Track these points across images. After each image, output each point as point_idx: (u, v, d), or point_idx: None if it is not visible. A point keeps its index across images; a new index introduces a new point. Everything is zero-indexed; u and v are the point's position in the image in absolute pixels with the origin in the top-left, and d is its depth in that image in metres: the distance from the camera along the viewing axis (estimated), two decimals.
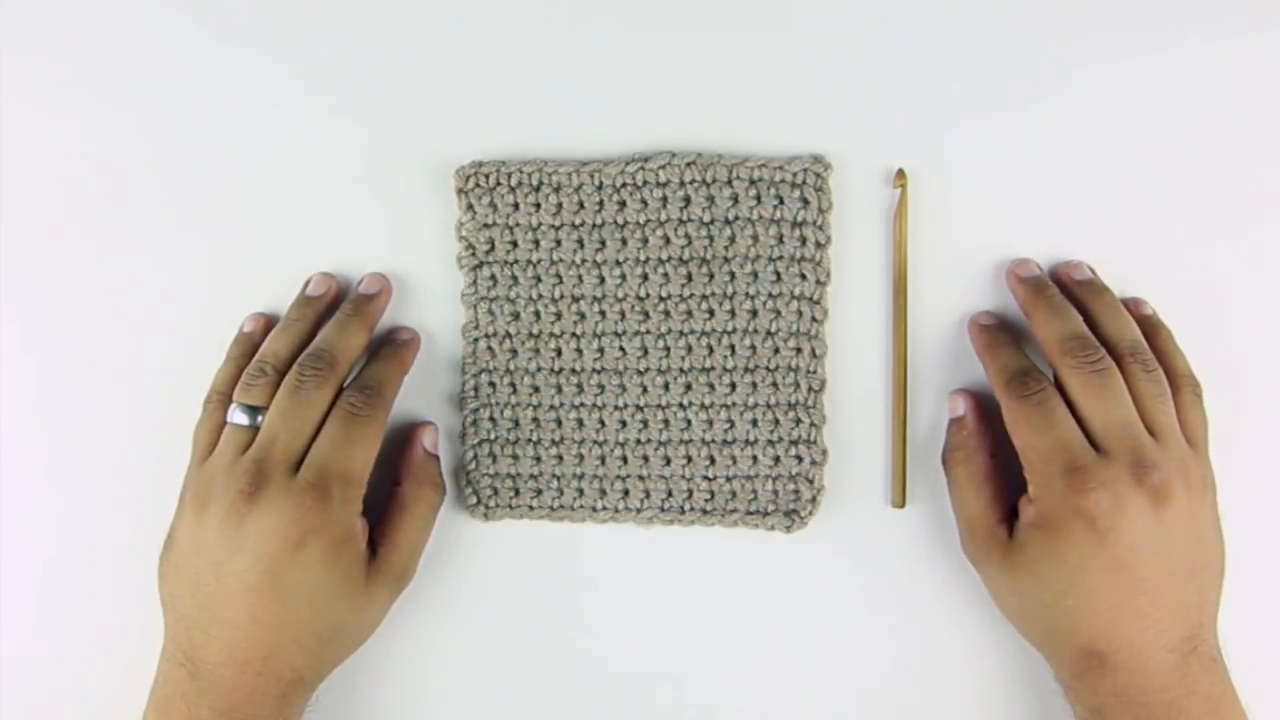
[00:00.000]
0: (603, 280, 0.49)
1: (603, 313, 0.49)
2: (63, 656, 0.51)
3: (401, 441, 0.50)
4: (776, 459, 0.49)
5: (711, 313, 0.49)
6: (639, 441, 0.49)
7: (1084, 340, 0.44)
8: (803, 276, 0.48)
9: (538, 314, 0.49)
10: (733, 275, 0.48)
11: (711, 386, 0.49)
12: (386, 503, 0.48)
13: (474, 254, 0.49)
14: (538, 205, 0.49)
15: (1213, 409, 0.46)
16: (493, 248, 0.49)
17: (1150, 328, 0.46)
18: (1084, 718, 0.44)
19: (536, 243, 0.49)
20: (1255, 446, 0.48)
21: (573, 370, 0.49)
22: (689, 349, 0.49)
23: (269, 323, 0.49)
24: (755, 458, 0.49)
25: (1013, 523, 0.44)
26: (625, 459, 0.49)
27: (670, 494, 0.49)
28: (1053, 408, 0.43)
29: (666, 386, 0.49)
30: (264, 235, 0.50)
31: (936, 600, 0.49)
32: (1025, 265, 0.47)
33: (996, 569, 0.44)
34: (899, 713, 0.49)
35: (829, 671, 0.49)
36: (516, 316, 0.49)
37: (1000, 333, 0.47)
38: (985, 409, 0.47)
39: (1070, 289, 0.47)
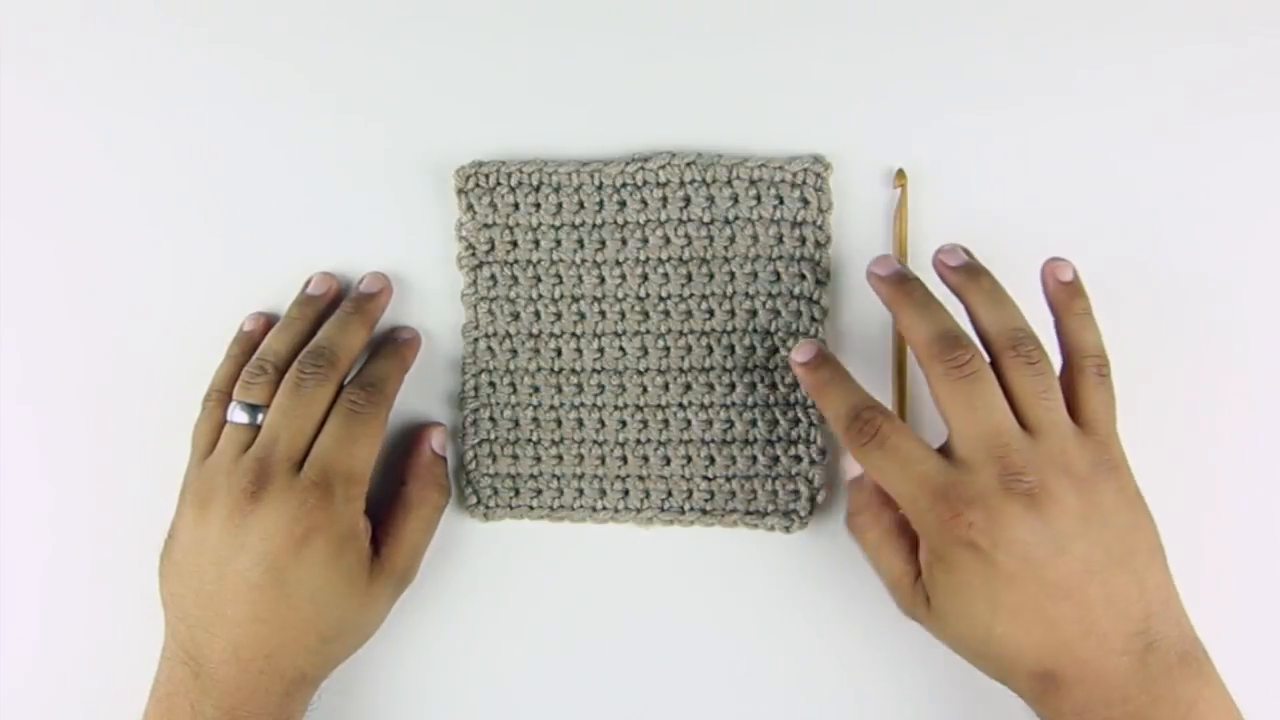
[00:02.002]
0: (603, 280, 0.49)
1: (603, 313, 0.49)
2: (63, 656, 0.51)
3: (406, 441, 0.50)
4: (776, 459, 0.49)
5: (711, 313, 0.49)
6: (639, 441, 0.49)
7: (951, 340, 0.41)
8: (802, 276, 0.48)
9: (538, 314, 0.49)
10: (733, 275, 0.48)
11: (711, 386, 0.49)
12: (391, 502, 0.48)
13: (474, 254, 0.49)
14: (538, 205, 0.49)
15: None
16: (493, 248, 0.49)
17: (1066, 296, 0.43)
18: None
19: (536, 243, 0.49)
20: (1248, 442, 0.48)
21: (573, 370, 0.49)
22: (689, 349, 0.49)
23: (269, 322, 0.49)
24: (754, 457, 0.49)
25: None
26: (625, 459, 0.49)
27: (670, 494, 0.49)
28: (896, 445, 0.41)
29: (666, 386, 0.49)
30: (264, 235, 0.50)
31: None
32: (882, 262, 0.45)
33: (929, 620, 0.43)
34: (899, 713, 0.49)
35: (829, 671, 0.49)
36: (516, 316, 0.49)
37: (821, 370, 0.44)
38: None
39: (946, 279, 0.44)
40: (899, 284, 0.44)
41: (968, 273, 0.44)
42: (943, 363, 0.41)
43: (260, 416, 0.46)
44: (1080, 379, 0.42)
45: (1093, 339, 0.43)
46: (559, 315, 0.49)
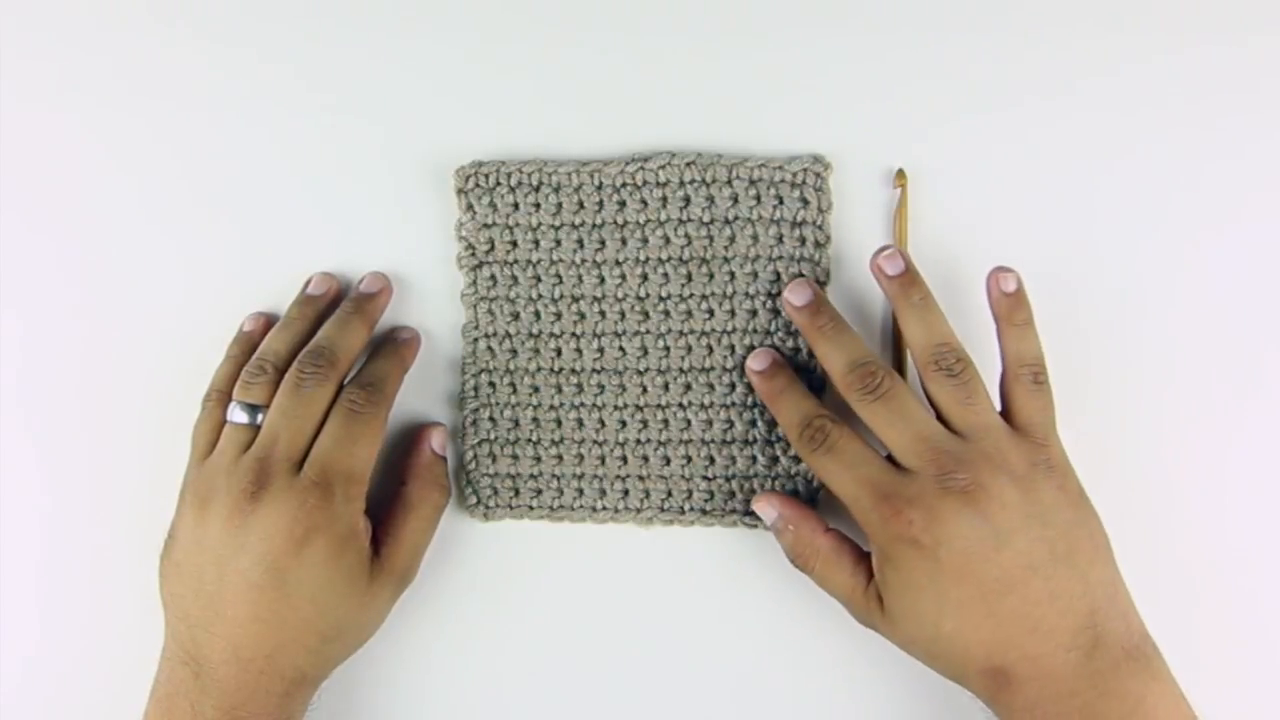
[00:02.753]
0: (603, 280, 0.49)
1: (603, 313, 0.49)
2: (63, 656, 0.51)
3: (406, 441, 0.50)
4: (775, 459, 0.49)
5: (711, 313, 0.49)
6: (639, 441, 0.49)
7: (862, 370, 0.43)
8: (802, 276, 0.48)
9: (538, 314, 0.49)
10: (733, 275, 0.48)
11: (711, 386, 0.49)
12: (391, 502, 0.48)
13: (474, 254, 0.49)
14: (538, 205, 0.49)
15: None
16: (493, 248, 0.49)
17: (1008, 307, 0.44)
18: None
19: (536, 243, 0.49)
20: (1246, 445, 0.48)
21: (573, 370, 0.49)
22: (689, 349, 0.49)
23: (269, 322, 0.49)
24: (755, 458, 0.49)
25: None
26: (625, 459, 0.49)
27: (670, 494, 0.49)
28: (844, 449, 0.43)
29: (666, 386, 0.49)
30: (264, 235, 0.51)
31: None
32: (797, 288, 0.46)
33: (884, 624, 0.43)
34: (899, 713, 0.49)
35: (828, 671, 0.49)
36: (516, 316, 0.49)
37: (776, 378, 0.46)
38: (788, 498, 0.47)
39: (881, 284, 0.45)
40: (812, 314, 0.46)
41: (901, 283, 0.45)
42: (857, 391, 0.43)
43: (260, 416, 0.46)
44: (1016, 386, 0.44)
45: (1030, 348, 0.44)
46: (559, 315, 0.49)
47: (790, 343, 0.48)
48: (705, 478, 0.49)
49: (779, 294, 0.48)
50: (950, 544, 0.40)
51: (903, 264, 0.45)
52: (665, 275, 0.49)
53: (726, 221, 0.48)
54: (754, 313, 0.48)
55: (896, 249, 0.45)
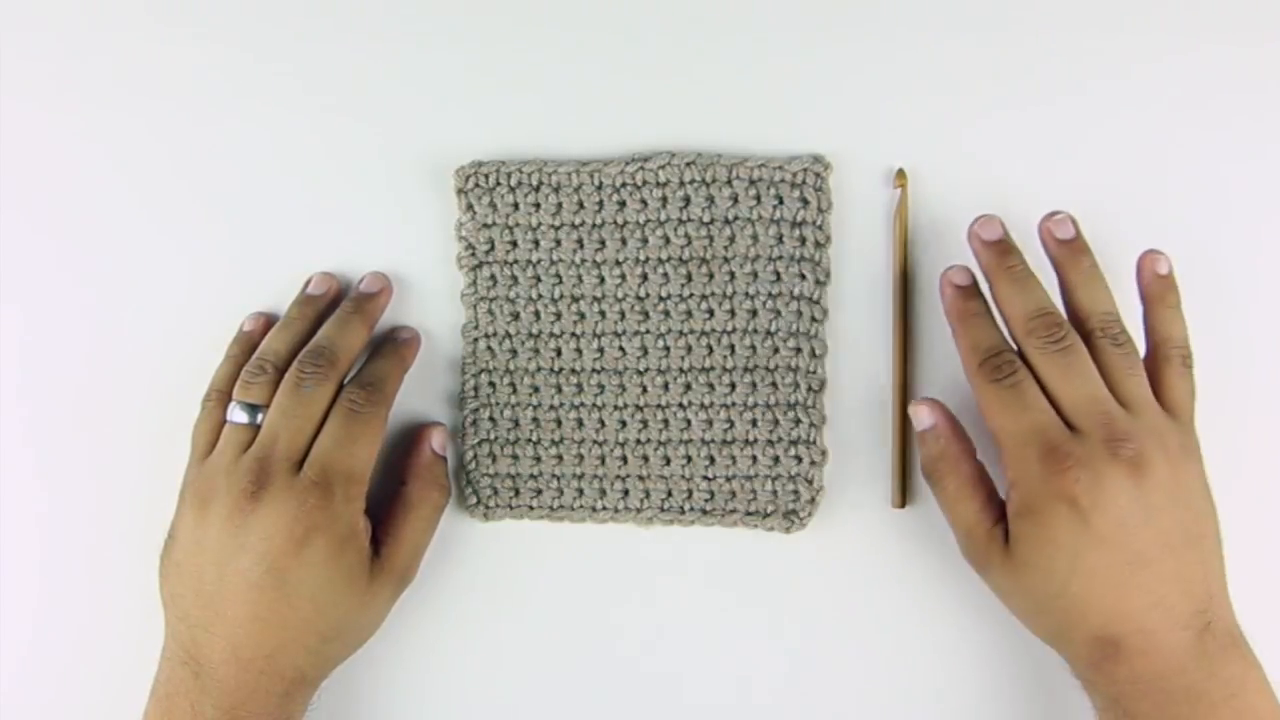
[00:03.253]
0: (603, 280, 0.49)
1: (603, 313, 0.49)
2: (62, 656, 0.51)
3: (406, 441, 0.50)
4: (776, 459, 0.49)
5: (711, 313, 0.49)
6: (639, 441, 0.49)
7: (1046, 318, 0.43)
8: (802, 276, 0.48)
9: (538, 314, 0.49)
10: (733, 275, 0.48)
11: (711, 386, 0.49)
12: (391, 502, 0.48)
13: (474, 254, 0.49)
14: (538, 205, 0.49)
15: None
16: (493, 248, 0.49)
17: (1160, 288, 0.45)
18: (1103, 708, 0.43)
19: (536, 243, 0.49)
20: (1246, 446, 0.48)
21: (573, 370, 0.49)
22: (689, 349, 0.49)
23: (269, 322, 0.49)
24: (755, 458, 0.49)
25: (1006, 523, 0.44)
26: (625, 459, 0.49)
27: (670, 494, 0.49)
28: (1024, 389, 0.42)
29: (666, 386, 0.49)
30: (264, 235, 0.51)
31: (936, 600, 0.49)
32: (989, 225, 0.45)
33: (999, 572, 0.44)
34: (899, 713, 0.49)
35: (829, 672, 0.49)
36: (516, 316, 0.49)
37: (973, 300, 0.45)
38: (951, 415, 0.46)
39: (1049, 248, 0.45)
40: (1000, 254, 0.45)
41: (1071, 249, 0.44)
42: (1040, 338, 0.42)
43: (260, 416, 0.46)
44: (1166, 367, 0.44)
45: (1181, 330, 0.45)
46: (559, 315, 0.49)
47: (791, 343, 0.48)
48: (705, 478, 0.49)
49: (779, 294, 0.48)
50: (1105, 510, 0.40)
51: (1072, 229, 0.45)
52: (665, 275, 0.49)
53: (726, 221, 0.48)
54: (754, 313, 0.48)
55: (1066, 215, 0.45)
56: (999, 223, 0.45)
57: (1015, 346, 0.44)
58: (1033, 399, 0.42)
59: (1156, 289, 0.45)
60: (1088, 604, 0.41)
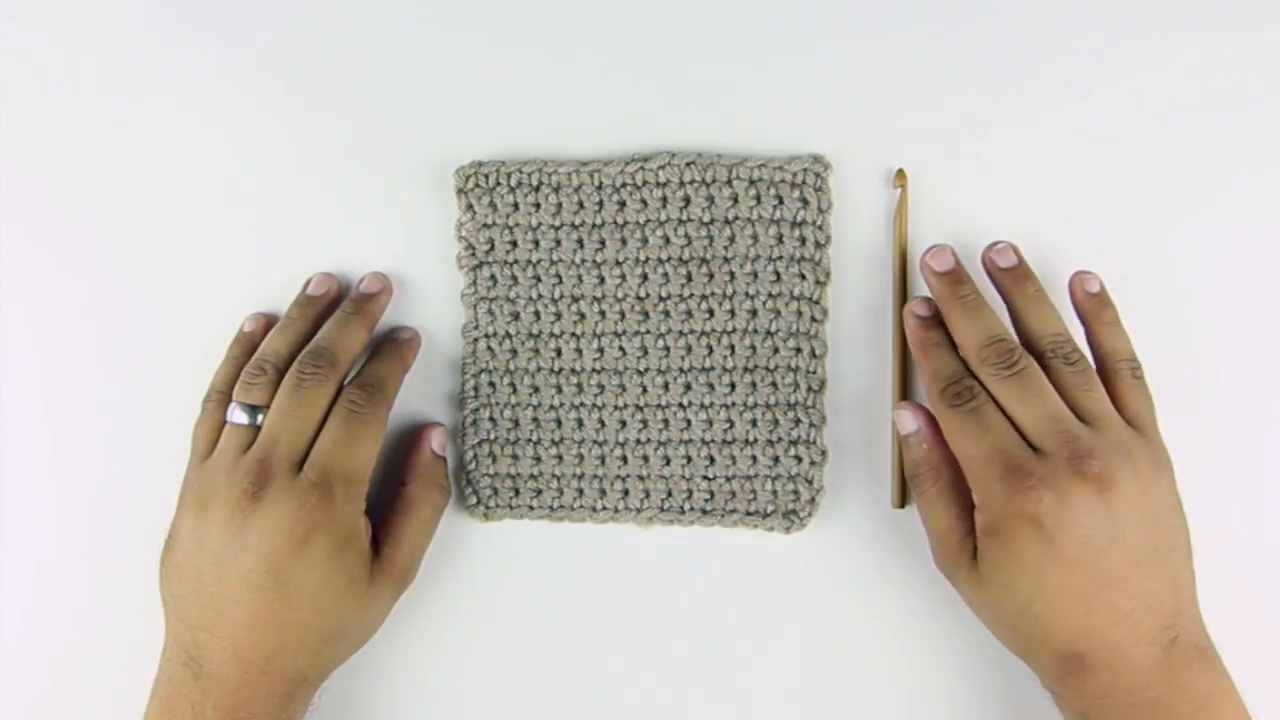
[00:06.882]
0: (603, 280, 0.49)
1: (603, 313, 0.49)
2: (62, 656, 0.51)
3: (406, 441, 0.50)
4: (776, 459, 0.49)
5: (711, 313, 0.49)
6: (639, 441, 0.49)
7: (999, 345, 0.43)
8: (802, 276, 0.48)
9: (538, 314, 0.49)
10: (733, 275, 0.48)
11: (711, 386, 0.49)
12: (391, 502, 0.48)
13: (474, 254, 0.49)
14: (538, 205, 0.49)
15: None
16: (493, 248, 0.49)
17: (1095, 305, 0.45)
18: None
19: (536, 243, 0.49)
20: (1247, 445, 0.48)
21: (573, 370, 0.49)
22: (689, 349, 0.49)
23: (269, 322, 0.49)
24: (755, 458, 0.49)
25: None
26: (625, 459, 0.49)
27: (670, 494, 0.49)
28: (984, 413, 0.42)
29: (666, 386, 0.49)
30: (264, 235, 0.50)
31: (936, 600, 0.48)
32: (941, 256, 0.46)
33: (966, 582, 0.44)
34: (899, 713, 0.49)
35: (829, 672, 0.49)
36: (516, 316, 0.49)
37: (933, 330, 0.46)
38: (932, 417, 0.46)
39: (994, 277, 0.46)
40: (951, 285, 0.45)
41: (1014, 276, 0.45)
42: (992, 366, 0.43)
43: (260, 417, 0.46)
44: (1117, 380, 0.44)
45: (1124, 344, 0.45)
46: (559, 315, 0.49)
47: (791, 343, 0.48)
48: (705, 478, 0.49)
49: (779, 294, 0.48)
50: (1070, 530, 0.40)
51: (1014, 257, 0.46)
52: (665, 275, 0.49)
53: (726, 221, 0.48)
54: (754, 313, 0.48)
55: (1008, 244, 0.46)
56: (950, 252, 0.46)
57: None
58: (994, 421, 0.42)
59: (1091, 307, 0.46)
60: (1052, 621, 0.41)
